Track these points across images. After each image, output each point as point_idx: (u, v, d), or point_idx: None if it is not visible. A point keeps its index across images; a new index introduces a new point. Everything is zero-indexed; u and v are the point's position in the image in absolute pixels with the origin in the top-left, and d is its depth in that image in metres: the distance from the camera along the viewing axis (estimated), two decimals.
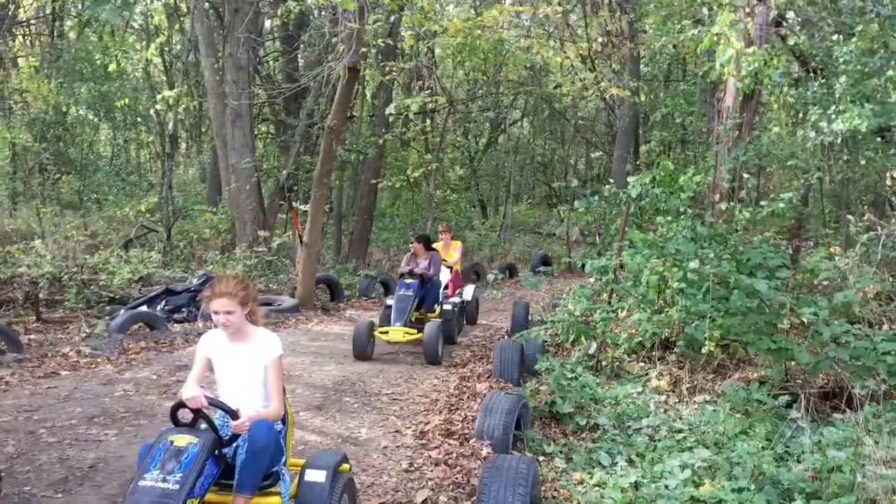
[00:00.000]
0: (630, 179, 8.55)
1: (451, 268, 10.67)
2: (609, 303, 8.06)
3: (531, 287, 8.41)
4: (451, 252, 10.88)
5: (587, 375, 7.19)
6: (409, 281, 9.11)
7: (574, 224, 19.99)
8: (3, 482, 4.16)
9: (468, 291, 10.69)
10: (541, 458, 5.51)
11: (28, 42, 24.54)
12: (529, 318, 9.74)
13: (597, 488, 5.07)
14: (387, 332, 8.57)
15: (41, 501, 4.49)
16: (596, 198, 9.44)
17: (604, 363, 7.91)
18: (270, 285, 13.07)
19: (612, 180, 12.36)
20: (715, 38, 8.32)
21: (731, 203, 8.82)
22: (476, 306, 11.43)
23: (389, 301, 9.41)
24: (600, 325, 7.64)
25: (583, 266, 8.80)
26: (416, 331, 8.49)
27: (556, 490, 5.04)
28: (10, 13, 18.99)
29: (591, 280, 8.78)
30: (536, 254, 18.89)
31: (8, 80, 17.53)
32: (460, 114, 19.28)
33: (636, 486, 5.04)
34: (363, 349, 8.30)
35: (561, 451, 5.75)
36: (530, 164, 27.04)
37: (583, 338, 8.00)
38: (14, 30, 21.23)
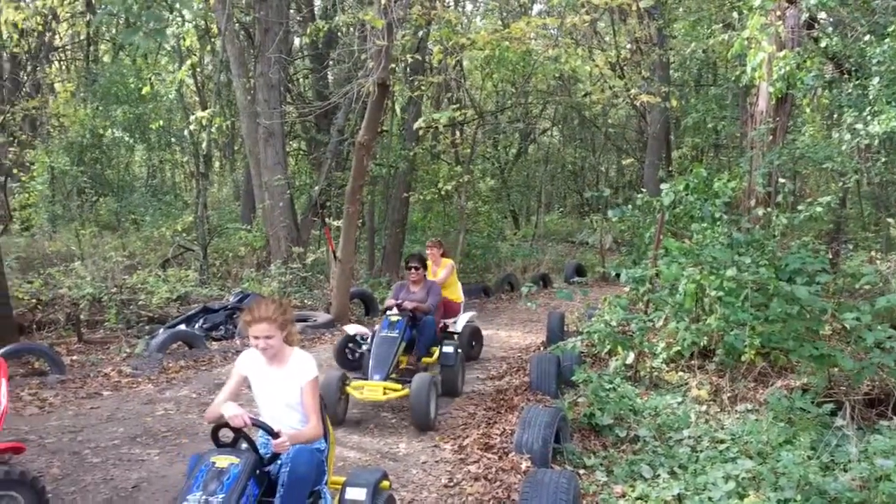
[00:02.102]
0: (663, 187, 8.46)
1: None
2: (645, 312, 7.98)
3: (565, 299, 8.15)
4: (438, 271, 9.07)
5: (625, 386, 7.14)
6: (393, 318, 7.11)
7: (607, 233, 19.88)
8: None
9: (461, 321, 8.77)
10: (581, 472, 5.46)
11: (64, 67, 25.11)
12: (565, 328, 9.69)
13: (639, 501, 5.02)
14: (362, 389, 6.52)
15: None
16: (629, 206, 9.37)
17: (642, 373, 7.84)
18: (305, 301, 13.16)
19: (644, 189, 12.28)
20: (746, 42, 8.24)
21: (768, 208, 8.71)
22: (476, 338, 9.34)
23: (365, 345, 7.46)
24: (637, 335, 7.57)
25: (618, 275, 8.73)
26: (400, 386, 6.52)
27: (597, 503, 5.00)
28: (46, 40, 19.47)
29: (627, 289, 8.70)
30: (570, 263, 18.80)
31: (46, 105, 17.92)
32: (490, 125, 19.29)
33: (679, 498, 4.98)
34: (332, 409, 6.27)
35: (601, 464, 5.70)
36: (561, 172, 26.96)
37: (620, 348, 7.93)
38: (50, 56, 21.74)
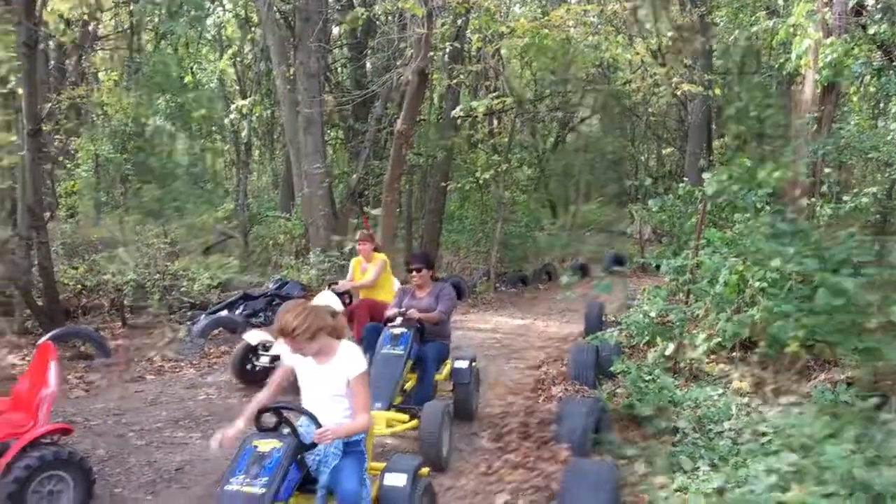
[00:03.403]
0: (706, 176, 8.33)
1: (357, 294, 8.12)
2: (686, 303, 7.89)
3: (604, 292, 7.97)
4: (368, 270, 8.05)
5: (665, 377, 7.05)
6: (396, 331, 5.92)
7: (646, 223, 19.66)
8: (96, 484, 4.32)
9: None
10: (620, 462, 5.43)
11: (108, 56, 25.52)
12: (604, 318, 9.63)
13: (679, 493, 4.97)
14: None
15: (132, 503, 4.65)
16: (670, 196, 9.25)
17: (682, 365, 7.74)
18: None
19: (685, 178, 12.13)
20: (791, 30, 8.08)
21: (812, 199, 8.54)
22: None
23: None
24: (677, 326, 7.48)
25: (657, 266, 8.64)
26: (407, 416, 5.47)
27: (636, 495, 4.96)
28: (91, 30, 19.78)
29: (667, 280, 8.61)
30: (609, 253, 18.66)
31: (91, 94, 18.22)
32: (529, 114, 19.18)
33: (720, 491, 4.92)
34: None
35: (641, 455, 5.65)
36: (600, 162, 26.70)
37: (659, 339, 7.85)
38: (95, 45, 22.09)
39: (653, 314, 7.62)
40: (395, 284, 8.11)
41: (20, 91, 9.33)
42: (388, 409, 5.38)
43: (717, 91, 15.56)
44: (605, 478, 4.21)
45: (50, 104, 11.86)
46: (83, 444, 5.38)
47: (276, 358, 6.84)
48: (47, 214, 10.38)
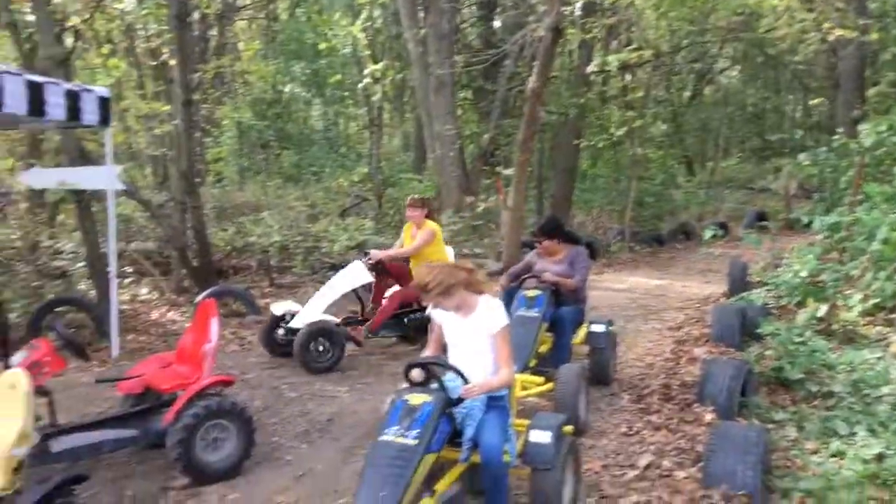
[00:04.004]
0: (861, 127, 7.79)
1: (404, 263, 7.50)
2: (840, 262, 7.45)
3: (753, 244, 7.53)
4: (416, 237, 7.31)
5: (817, 340, 6.72)
6: (531, 293, 5.85)
7: (792, 178, 18.63)
8: (255, 433, 4.59)
9: None
10: (769, 426, 5.24)
11: (248, 26, 26.50)
12: (748, 278, 9.24)
13: (834, 459, 4.75)
14: None
15: (288, 451, 4.92)
16: (824, 149, 8.69)
17: (834, 327, 7.34)
18: (475, 250, 13.34)
19: (839, 130, 11.36)
20: None
21: None
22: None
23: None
24: (830, 286, 7.09)
25: (809, 223, 8.18)
26: (542, 378, 5.40)
27: (788, 460, 4.77)
28: (230, 1, 20.58)
29: (819, 237, 8.14)
30: (751, 210, 17.84)
31: (233, 63, 19.03)
32: (665, 67, 18.46)
33: (880, 457, 4.66)
34: None
35: (791, 420, 5.43)
36: (741, 115, 25.43)
37: (810, 300, 7.47)
38: (234, 16, 23.01)
39: (804, 273, 7.25)
40: (450, 255, 7.55)
41: (171, 62, 9.84)
42: (524, 371, 5.33)
43: (875, 35, 14.40)
44: (753, 441, 4.08)
45: (199, 73, 12.45)
46: (240, 396, 5.70)
47: (293, 331, 6.78)
48: (199, 180, 10.97)
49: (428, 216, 7.35)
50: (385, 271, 7.39)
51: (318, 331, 6.67)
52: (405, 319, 7.30)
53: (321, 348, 6.67)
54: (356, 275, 7.15)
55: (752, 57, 23.87)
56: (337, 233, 12.74)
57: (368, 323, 7.12)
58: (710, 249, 7.42)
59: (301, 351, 6.55)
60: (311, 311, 6.90)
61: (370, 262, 7.25)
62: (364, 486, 3.13)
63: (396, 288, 7.41)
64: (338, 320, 6.99)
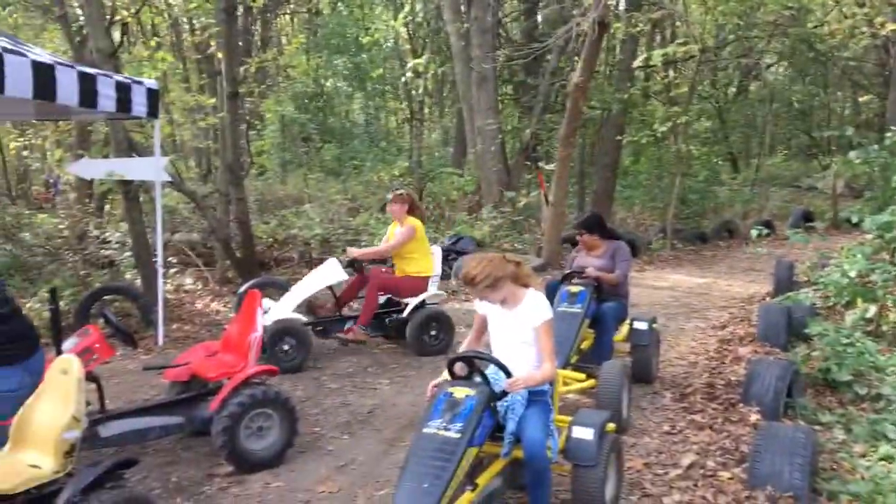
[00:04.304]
0: None
1: (383, 261, 7.53)
2: (891, 262, 7.27)
3: (800, 242, 7.35)
4: (397, 233, 7.15)
5: (865, 341, 6.57)
6: (574, 289, 5.78)
7: (839, 176, 18.24)
8: (299, 423, 4.63)
9: (416, 299, 7.01)
10: (816, 428, 5.15)
11: (290, 19, 26.72)
12: (794, 278, 9.08)
13: (882, 463, 4.66)
14: None
15: (330, 441, 4.97)
16: (875, 147, 8.47)
17: (884, 328, 7.18)
18: (516, 245, 13.31)
19: (892, 127, 11.06)
20: None
21: None
22: (437, 326, 7.11)
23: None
24: (881, 287, 6.92)
25: (853, 223, 8.00)
26: (584, 374, 5.36)
27: (835, 462, 4.69)
28: None
29: (869, 237, 7.95)
30: (796, 209, 17.51)
31: (276, 57, 19.22)
32: (712, 62, 18.19)
33: None
34: None
35: (838, 422, 5.33)
36: (787, 111, 24.94)
37: (859, 300, 7.30)
38: (277, 10, 23.21)
39: (853, 273, 7.08)
40: (436, 254, 7.36)
41: (218, 55, 9.95)
42: (565, 367, 5.26)
43: None
44: (802, 442, 4.01)
45: (244, 67, 12.59)
46: (284, 385, 5.77)
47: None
48: (243, 173, 11.09)
49: (411, 212, 7.14)
50: (363, 269, 7.19)
51: (284, 330, 6.49)
52: (386, 320, 7.16)
53: (286, 348, 6.48)
54: (331, 273, 6.93)
55: (801, 52, 23.39)
56: (377, 226, 12.80)
57: (357, 319, 6.91)
58: (756, 248, 7.24)
59: (269, 350, 6.32)
60: (281, 308, 6.74)
61: (346, 259, 7.12)
62: (406, 478, 3.13)
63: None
64: (305, 319, 6.74)
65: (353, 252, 7.09)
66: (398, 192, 7.34)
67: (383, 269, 7.32)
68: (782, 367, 5.27)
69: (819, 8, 20.44)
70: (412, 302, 6.97)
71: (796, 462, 3.92)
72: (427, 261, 7.18)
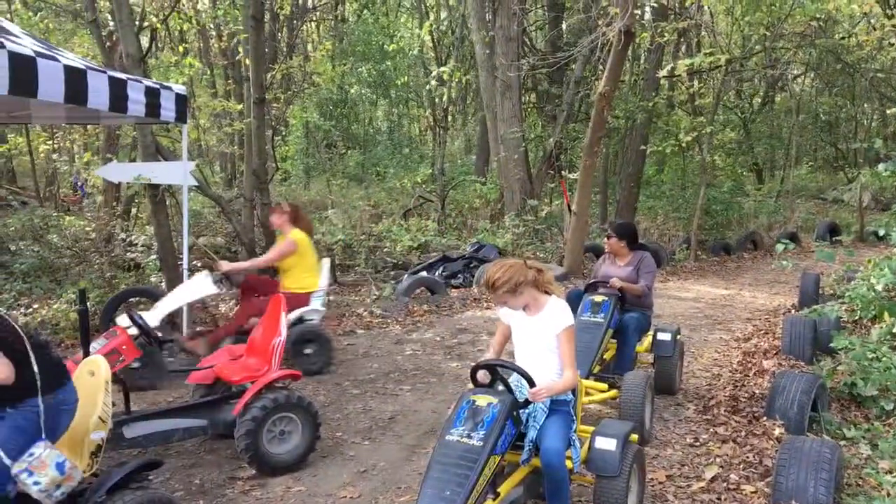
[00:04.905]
0: None
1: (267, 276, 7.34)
2: None
3: (826, 259, 7.30)
4: (275, 247, 7.07)
5: (892, 356, 6.49)
6: (598, 298, 5.74)
7: (865, 188, 18.05)
8: (321, 428, 4.66)
9: (294, 314, 6.57)
10: (841, 443, 5.09)
11: (316, 27, 26.90)
12: (820, 291, 8.99)
13: None
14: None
15: (351, 447, 4.98)
16: None
17: None
18: (538, 253, 13.29)
19: None
20: None
21: None
22: (314, 344, 6.70)
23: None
24: None
25: (879, 236, 7.91)
26: (606, 385, 5.29)
27: (860, 478, 4.63)
28: (300, 3, 20.94)
29: None
30: (822, 222, 17.34)
31: (303, 64, 19.36)
32: (738, 73, 18.08)
33: None
34: None
35: (864, 437, 5.27)
36: (813, 123, 24.72)
37: (887, 314, 7.21)
38: (304, 17, 23.38)
39: (879, 287, 7.00)
40: (323, 269, 7.06)
41: (245, 61, 10.04)
42: (587, 377, 5.21)
43: None
44: (827, 457, 3.96)
45: (270, 74, 12.71)
46: (305, 391, 5.80)
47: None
48: (268, 178, 11.16)
49: (295, 223, 6.91)
50: (248, 284, 6.93)
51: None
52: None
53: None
54: (199, 287, 6.46)
55: (828, 64, 23.18)
56: (400, 233, 12.85)
57: (210, 335, 6.66)
58: (781, 262, 7.18)
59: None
60: (150, 319, 6.21)
61: (218, 274, 6.79)
62: (428, 485, 3.13)
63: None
64: (160, 335, 5.75)
65: (224, 266, 6.73)
66: (280, 202, 7.17)
67: (270, 279, 7.10)
68: (807, 380, 5.21)
69: (847, 19, 20.28)
70: (294, 314, 6.58)
71: (821, 477, 3.87)
72: (310, 276, 6.88)
